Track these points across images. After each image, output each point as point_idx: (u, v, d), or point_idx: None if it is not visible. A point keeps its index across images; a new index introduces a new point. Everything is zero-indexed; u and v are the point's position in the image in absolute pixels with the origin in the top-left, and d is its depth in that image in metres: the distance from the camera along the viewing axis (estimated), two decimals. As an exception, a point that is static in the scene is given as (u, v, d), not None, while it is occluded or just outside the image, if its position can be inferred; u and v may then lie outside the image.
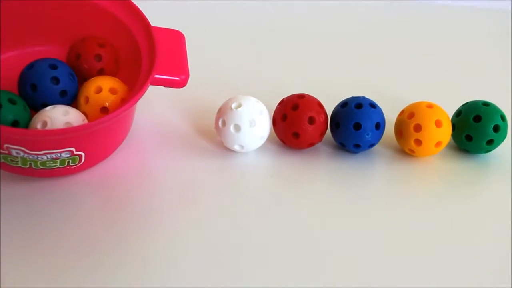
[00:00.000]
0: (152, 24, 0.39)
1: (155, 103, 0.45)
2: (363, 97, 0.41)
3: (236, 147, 0.40)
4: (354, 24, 0.58)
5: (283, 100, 0.41)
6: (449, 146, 0.42)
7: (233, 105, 0.39)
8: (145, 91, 0.35)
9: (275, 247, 0.35)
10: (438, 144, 0.40)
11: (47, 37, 0.43)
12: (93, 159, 0.38)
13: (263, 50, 0.53)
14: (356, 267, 0.34)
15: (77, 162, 0.36)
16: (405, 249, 0.35)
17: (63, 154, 0.35)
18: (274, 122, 0.41)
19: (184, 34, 0.42)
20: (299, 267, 0.34)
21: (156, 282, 0.32)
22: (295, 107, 0.40)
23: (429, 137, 0.40)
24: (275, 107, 0.41)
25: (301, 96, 0.40)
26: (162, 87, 0.44)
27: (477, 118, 0.40)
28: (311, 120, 0.40)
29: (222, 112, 0.40)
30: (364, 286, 0.33)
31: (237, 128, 0.39)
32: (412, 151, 0.41)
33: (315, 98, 0.41)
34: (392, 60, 0.53)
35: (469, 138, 0.41)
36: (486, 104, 0.41)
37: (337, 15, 0.60)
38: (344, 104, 0.40)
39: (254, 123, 0.39)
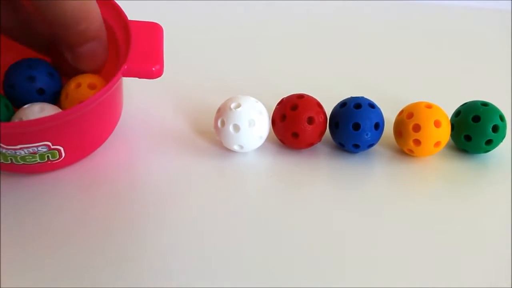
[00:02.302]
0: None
1: (153, 103, 0.45)
2: (362, 97, 0.41)
3: (235, 147, 0.40)
4: (354, 24, 0.58)
5: (282, 100, 0.41)
6: (448, 146, 0.42)
7: (232, 105, 0.39)
8: (116, 82, 0.36)
9: (274, 247, 0.35)
10: (437, 144, 0.40)
11: None
12: (76, 154, 0.38)
13: (262, 50, 0.53)
14: (355, 266, 0.34)
15: (58, 157, 0.36)
16: (404, 249, 0.35)
17: (40, 149, 0.35)
18: (273, 122, 0.41)
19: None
20: (298, 267, 0.34)
21: (150, 283, 0.32)
22: (294, 107, 0.40)
23: (428, 137, 0.40)
24: (274, 107, 0.41)
25: (300, 96, 0.40)
26: (162, 87, 0.44)
27: (476, 118, 0.40)
28: (310, 120, 0.40)
29: (221, 112, 0.40)
30: (363, 286, 0.33)
31: (236, 128, 0.39)
32: (411, 151, 0.41)
33: (314, 98, 0.41)
34: (392, 60, 0.53)
35: (468, 138, 0.41)
36: (485, 104, 0.41)
37: (337, 15, 0.60)
38: (343, 104, 0.40)
39: (254, 123, 0.39)
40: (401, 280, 0.33)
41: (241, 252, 0.34)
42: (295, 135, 0.40)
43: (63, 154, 0.36)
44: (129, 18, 0.39)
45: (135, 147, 0.41)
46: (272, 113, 0.41)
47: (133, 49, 0.37)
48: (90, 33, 0.36)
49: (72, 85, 0.39)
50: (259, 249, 0.35)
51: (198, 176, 0.39)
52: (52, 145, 0.35)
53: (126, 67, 0.36)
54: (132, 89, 0.45)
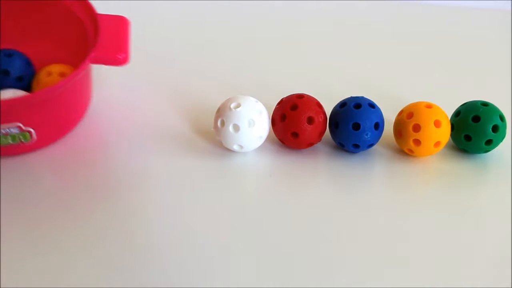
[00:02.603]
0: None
1: (152, 103, 0.45)
2: (362, 97, 0.41)
3: (235, 147, 0.40)
4: (354, 24, 0.58)
5: (282, 100, 0.41)
6: (448, 146, 0.42)
7: (232, 105, 0.39)
8: (84, 68, 0.38)
9: (274, 246, 0.35)
10: (437, 144, 0.40)
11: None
12: (46, 137, 0.40)
13: (262, 50, 0.53)
14: (355, 266, 0.34)
15: (29, 139, 0.38)
16: (404, 249, 0.35)
17: (12, 130, 0.37)
18: (273, 122, 0.41)
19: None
20: (298, 266, 0.34)
21: (147, 282, 0.32)
22: (294, 107, 0.40)
23: (428, 137, 0.40)
24: (274, 107, 0.41)
25: (300, 96, 0.40)
26: (162, 86, 0.44)
27: (476, 118, 0.40)
28: (310, 120, 0.40)
29: (221, 112, 0.40)
30: (362, 285, 0.33)
31: (236, 128, 0.39)
32: (411, 151, 0.41)
33: (314, 98, 0.41)
34: (392, 60, 0.53)
35: (468, 138, 0.41)
36: (485, 104, 0.41)
37: (337, 15, 0.60)
38: (343, 104, 0.40)
39: (253, 123, 0.39)
40: (401, 280, 0.33)
41: (241, 251, 0.34)
42: (295, 135, 0.40)
43: (34, 136, 0.38)
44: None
45: (133, 147, 0.41)
46: (272, 113, 0.41)
47: (100, 38, 0.39)
48: None
49: (43, 73, 0.42)
50: (259, 248, 0.35)
51: (198, 176, 0.39)
52: (24, 127, 0.37)
53: (93, 54, 0.38)
54: (131, 88, 0.45)
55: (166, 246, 0.34)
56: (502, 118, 0.41)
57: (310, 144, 0.41)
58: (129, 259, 0.34)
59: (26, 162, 0.39)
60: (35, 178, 0.38)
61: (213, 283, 0.32)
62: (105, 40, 0.39)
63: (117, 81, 0.45)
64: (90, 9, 0.41)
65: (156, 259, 0.34)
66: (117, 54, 0.39)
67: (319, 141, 0.41)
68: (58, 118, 0.40)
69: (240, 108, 0.39)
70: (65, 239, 0.34)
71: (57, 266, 0.33)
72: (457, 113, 0.42)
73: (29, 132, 0.38)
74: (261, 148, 0.41)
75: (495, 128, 0.40)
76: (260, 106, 0.40)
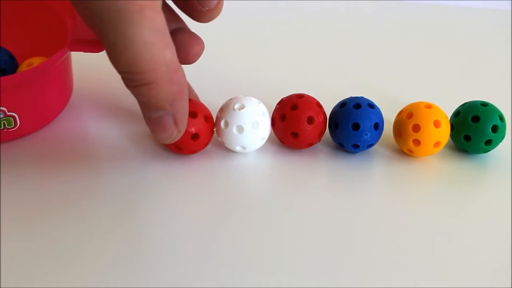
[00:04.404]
0: None
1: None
2: (362, 97, 0.41)
3: (238, 148, 0.40)
4: (354, 24, 0.58)
5: (282, 100, 0.41)
6: (447, 146, 0.43)
7: (235, 106, 0.39)
8: (65, 53, 0.38)
9: (275, 246, 0.35)
10: (436, 144, 0.40)
11: None
12: (30, 123, 0.40)
13: (262, 50, 0.53)
14: (355, 267, 0.34)
15: (13, 125, 0.39)
16: (403, 249, 0.35)
17: None
18: (273, 122, 0.41)
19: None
20: (298, 267, 0.34)
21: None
22: (294, 107, 0.40)
23: (428, 137, 0.40)
24: (274, 107, 0.41)
25: (300, 96, 0.40)
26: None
27: (476, 119, 0.40)
28: (310, 120, 0.40)
29: (225, 113, 0.40)
30: (362, 286, 0.33)
31: (240, 129, 0.39)
32: (411, 151, 0.41)
33: (314, 98, 0.41)
34: (391, 60, 0.53)
35: (467, 138, 0.41)
36: (484, 104, 0.41)
37: (337, 15, 0.60)
38: (342, 104, 0.41)
39: (257, 125, 0.39)
40: (401, 280, 0.33)
41: (241, 252, 0.34)
42: (295, 135, 0.40)
43: (18, 122, 0.39)
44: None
45: (134, 147, 0.41)
46: (272, 113, 0.41)
47: (78, 25, 0.39)
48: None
49: (24, 65, 0.43)
50: (259, 249, 0.35)
51: (198, 176, 0.39)
52: (8, 111, 0.38)
53: (72, 39, 0.38)
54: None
55: (164, 246, 0.34)
56: (501, 118, 0.41)
57: (310, 144, 0.41)
58: (121, 259, 0.34)
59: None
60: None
61: (212, 284, 0.32)
62: (82, 27, 0.39)
63: (111, 74, 0.45)
64: (69, 7, 0.42)
65: (152, 259, 0.34)
66: (94, 41, 0.38)
67: (319, 141, 0.41)
68: (41, 104, 0.40)
69: (244, 109, 0.39)
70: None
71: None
72: (456, 113, 0.42)
73: (13, 117, 0.38)
74: (261, 148, 0.41)
75: (494, 128, 0.40)
76: (262, 107, 0.40)
